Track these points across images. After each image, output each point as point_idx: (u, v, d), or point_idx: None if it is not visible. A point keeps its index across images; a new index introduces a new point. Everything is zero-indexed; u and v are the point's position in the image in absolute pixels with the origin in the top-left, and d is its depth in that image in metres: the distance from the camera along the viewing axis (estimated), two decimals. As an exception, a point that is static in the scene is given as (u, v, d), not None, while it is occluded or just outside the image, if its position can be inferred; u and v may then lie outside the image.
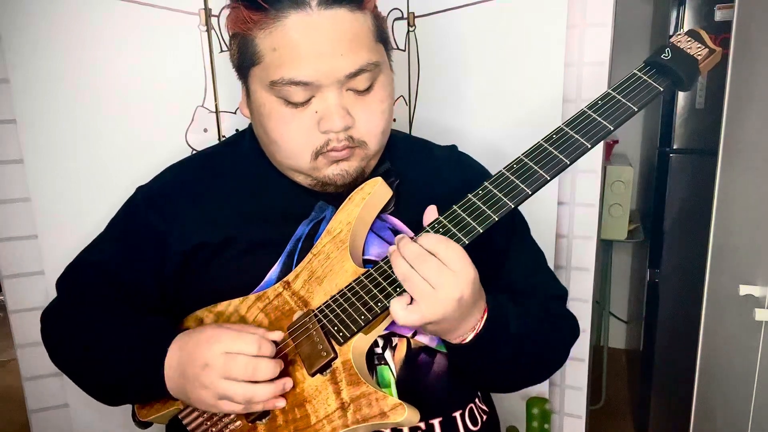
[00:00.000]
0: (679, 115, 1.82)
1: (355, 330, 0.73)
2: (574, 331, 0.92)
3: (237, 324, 0.77)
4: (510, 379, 0.87)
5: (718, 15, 1.68)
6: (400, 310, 0.69)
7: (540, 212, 0.90)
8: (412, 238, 0.72)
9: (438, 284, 0.68)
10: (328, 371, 0.73)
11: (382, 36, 0.79)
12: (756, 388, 1.14)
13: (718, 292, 1.28)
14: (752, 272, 1.15)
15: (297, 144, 0.78)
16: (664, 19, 1.98)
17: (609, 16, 1.23)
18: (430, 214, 0.75)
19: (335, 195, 0.83)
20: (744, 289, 1.13)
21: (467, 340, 0.74)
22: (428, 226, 0.74)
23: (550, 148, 0.74)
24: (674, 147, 1.85)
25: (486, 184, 0.74)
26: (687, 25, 1.73)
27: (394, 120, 1.35)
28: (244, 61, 0.78)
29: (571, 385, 1.42)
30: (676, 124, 1.83)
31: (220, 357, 0.70)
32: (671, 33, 1.86)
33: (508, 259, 0.89)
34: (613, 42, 1.24)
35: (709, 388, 1.34)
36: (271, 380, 0.72)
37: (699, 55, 0.75)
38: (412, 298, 0.70)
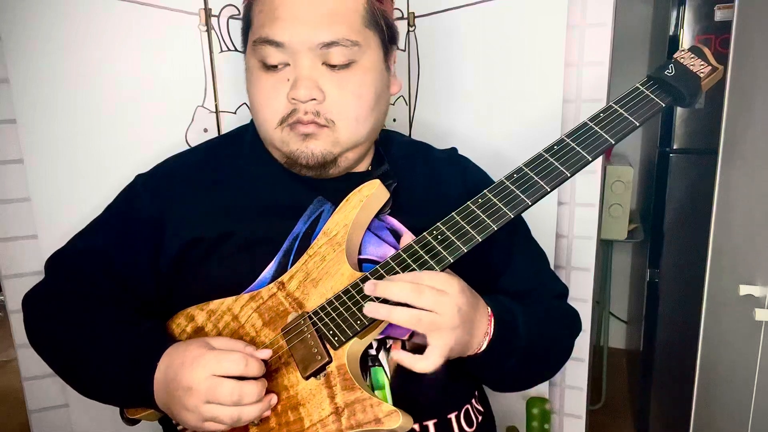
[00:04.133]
0: (679, 115, 1.82)
1: (351, 335, 0.72)
2: (577, 326, 0.93)
3: (224, 340, 0.74)
4: (525, 377, 0.88)
5: (718, 15, 1.68)
6: (419, 362, 0.69)
7: (540, 212, 0.90)
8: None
9: (439, 309, 0.68)
10: (322, 375, 0.73)
11: (375, 23, 0.79)
12: (756, 388, 1.14)
13: (718, 292, 1.28)
14: (752, 272, 1.15)
15: (267, 109, 0.79)
16: (664, 19, 1.98)
17: (609, 16, 1.23)
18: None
19: (332, 191, 0.83)
20: (744, 289, 1.13)
21: (483, 347, 0.74)
22: (426, 232, 0.74)
23: (551, 159, 0.74)
24: (674, 147, 1.85)
25: (486, 192, 0.74)
26: (687, 25, 1.73)
27: (394, 120, 1.35)
28: (244, 27, 0.82)
29: (571, 385, 1.42)
30: (676, 124, 1.82)
31: (205, 381, 0.68)
32: (671, 33, 1.85)
33: (511, 261, 0.89)
34: (613, 42, 1.24)
35: (709, 388, 1.34)
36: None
37: (702, 72, 0.75)
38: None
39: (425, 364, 0.69)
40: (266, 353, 0.73)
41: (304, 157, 0.79)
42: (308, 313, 0.76)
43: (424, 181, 0.89)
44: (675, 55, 0.78)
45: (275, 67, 0.78)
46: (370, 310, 0.69)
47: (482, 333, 0.73)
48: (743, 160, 1.20)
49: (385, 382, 0.79)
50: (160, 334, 0.79)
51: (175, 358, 0.72)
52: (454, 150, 0.97)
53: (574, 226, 1.35)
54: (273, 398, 0.73)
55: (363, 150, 0.85)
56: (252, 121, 0.89)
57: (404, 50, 1.32)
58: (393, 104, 1.35)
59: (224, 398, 0.68)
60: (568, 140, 0.75)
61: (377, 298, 0.70)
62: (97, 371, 0.79)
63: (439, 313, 0.68)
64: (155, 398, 0.74)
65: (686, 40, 1.74)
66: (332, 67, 0.77)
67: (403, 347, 0.80)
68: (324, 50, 0.76)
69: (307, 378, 0.73)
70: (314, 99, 0.77)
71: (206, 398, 0.68)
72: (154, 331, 0.79)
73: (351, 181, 0.83)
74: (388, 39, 0.83)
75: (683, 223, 1.87)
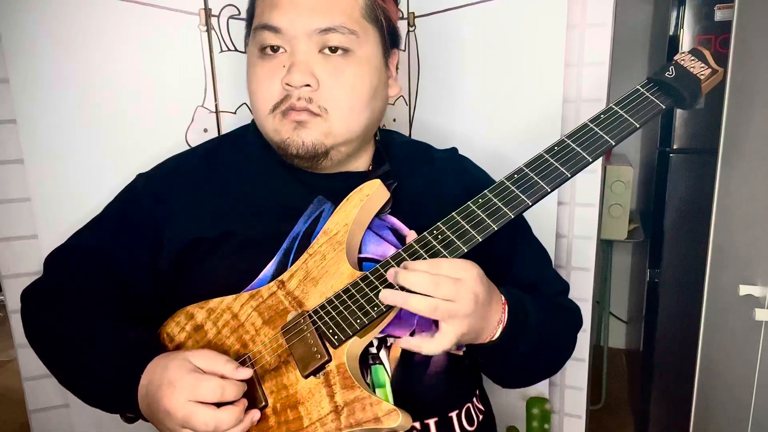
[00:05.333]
0: (679, 115, 1.82)
1: (351, 334, 0.72)
2: (579, 321, 0.94)
3: (205, 357, 0.72)
4: (531, 370, 0.88)
5: (718, 15, 1.68)
6: (427, 344, 0.70)
7: (540, 212, 0.90)
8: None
9: (457, 297, 0.68)
10: (321, 373, 0.73)
11: (374, 17, 0.80)
12: (756, 388, 1.14)
13: (718, 292, 1.28)
14: (752, 272, 1.15)
15: (261, 95, 0.80)
16: (664, 19, 1.98)
17: (609, 16, 1.23)
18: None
19: (333, 190, 0.83)
20: (744, 289, 1.13)
21: (497, 335, 0.74)
22: (427, 232, 0.74)
23: (551, 160, 0.74)
24: (674, 147, 1.85)
25: (486, 192, 0.74)
26: (687, 25, 1.73)
27: (394, 120, 1.35)
28: (248, 18, 0.83)
29: (571, 385, 1.42)
30: (676, 124, 1.82)
31: (182, 407, 0.68)
32: (671, 33, 1.85)
33: (514, 258, 0.90)
34: (613, 42, 1.24)
35: (709, 388, 1.34)
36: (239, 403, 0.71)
37: (702, 75, 0.76)
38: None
39: (433, 346, 0.70)
40: (246, 372, 0.72)
41: (295, 146, 0.79)
42: (308, 311, 0.76)
43: (424, 181, 0.90)
44: (675, 58, 0.78)
45: (272, 53, 0.79)
46: (387, 296, 0.69)
47: (496, 321, 0.74)
48: (743, 160, 1.20)
49: (386, 380, 0.79)
50: (146, 346, 0.78)
51: (154, 377, 0.72)
52: (454, 150, 0.98)
53: (574, 226, 1.35)
54: (256, 414, 0.72)
55: (357, 146, 0.85)
56: (253, 120, 0.89)
57: (404, 50, 1.32)
58: (393, 104, 1.35)
59: (200, 427, 0.68)
60: (568, 141, 0.75)
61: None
62: (85, 376, 0.80)
63: (456, 301, 0.68)
64: (140, 410, 0.74)
65: (686, 40, 1.74)
66: (330, 51, 0.77)
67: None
68: (321, 36, 0.76)
69: (306, 377, 0.73)
70: (308, 85, 0.77)
71: (182, 424, 0.68)
72: (140, 343, 0.79)
73: (351, 180, 0.83)
74: (388, 38, 0.83)
75: (683, 223, 1.87)
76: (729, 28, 1.22)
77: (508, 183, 0.74)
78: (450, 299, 0.68)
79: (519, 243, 0.91)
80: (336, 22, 0.76)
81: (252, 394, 0.74)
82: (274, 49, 0.79)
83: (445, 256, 0.72)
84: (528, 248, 0.94)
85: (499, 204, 0.73)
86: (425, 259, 0.72)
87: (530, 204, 0.73)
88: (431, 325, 0.79)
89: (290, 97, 0.78)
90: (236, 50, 1.19)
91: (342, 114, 0.79)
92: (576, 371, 1.40)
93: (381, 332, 0.77)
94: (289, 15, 0.76)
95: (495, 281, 0.75)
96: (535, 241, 0.96)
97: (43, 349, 0.86)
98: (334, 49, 0.78)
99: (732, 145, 1.23)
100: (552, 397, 1.43)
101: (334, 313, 0.74)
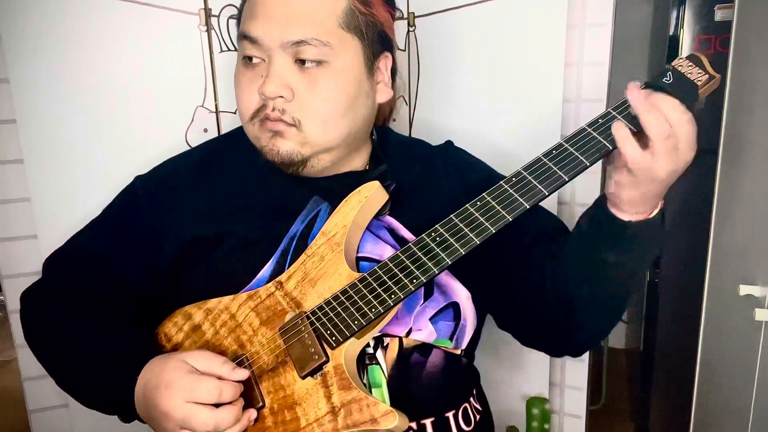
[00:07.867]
0: (679, 115, 1.82)
1: (348, 335, 0.73)
2: None
3: (203, 357, 0.72)
4: (617, 298, 0.81)
5: (718, 15, 1.68)
6: (633, 150, 0.66)
7: (540, 212, 0.90)
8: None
9: (683, 152, 0.66)
10: (319, 374, 0.73)
11: (354, 27, 0.79)
12: (756, 388, 1.14)
13: (718, 292, 1.28)
14: (752, 272, 1.15)
15: (242, 102, 0.81)
16: (664, 19, 1.98)
17: (609, 16, 1.23)
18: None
19: (330, 190, 0.83)
20: (744, 289, 1.13)
21: (653, 215, 0.72)
22: (425, 234, 0.74)
23: (550, 164, 0.74)
24: (674, 147, 1.84)
25: (484, 195, 0.74)
26: (687, 25, 1.73)
27: (394, 120, 1.35)
28: (237, 24, 0.83)
29: (571, 385, 1.42)
30: (677, 124, 1.82)
31: (180, 408, 0.68)
32: (671, 33, 1.85)
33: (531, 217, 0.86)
34: (613, 42, 1.24)
35: (709, 388, 1.34)
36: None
37: (699, 80, 0.75)
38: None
39: (638, 156, 0.66)
40: (243, 374, 0.72)
41: (271, 155, 0.80)
42: (306, 312, 0.76)
43: (420, 179, 0.90)
44: (673, 63, 0.78)
45: (253, 62, 0.79)
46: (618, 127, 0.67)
47: (656, 204, 0.72)
48: (743, 160, 1.20)
49: (383, 380, 0.79)
50: (143, 347, 0.78)
51: (152, 378, 0.72)
52: (449, 143, 0.97)
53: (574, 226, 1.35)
54: (252, 414, 0.73)
55: (344, 151, 0.84)
56: None
57: (404, 50, 1.32)
58: (395, 120, 1.34)
59: (199, 427, 0.68)
60: (566, 145, 0.75)
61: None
62: (83, 377, 0.80)
63: (678, 152, 0.65)
64: (137, 411, 0.75)
65: (686, 40, 1.74)
66: (303, 64, 0.77)
67: (401, 345, 0.81)
68: (294, 48, 0.76)
69: (303, 377, 0.74)
70: (281, 96, 0.77)
71: (181, 425, 0.69)
72: (137, 344, 0.79)
73: (349, 180, 0.83)
74: (375, 44, 0.82)
75: (683, 223, 1.87)
76: (729, 28, 1.22)
77: (506, 186, 0.74)
78: (678, 145, 0.65)
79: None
80: (308, 35, 0.75)
81: (249, 395, 0.74)
82: (253, 58, 0.79)
83: (443, 259, 0.72)
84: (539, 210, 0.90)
85: (497, 207, 0.73)
86: (424, 260, 0.72)
87: (528, 207, 0.73)
88: (427, 324, 0.79)
89: (266, 107, 0.78)
90: (236, 50, 1.19)
91: (316, 125, 0.79)
92: (576, 371, 1.40)
93: (378, 332, 0.77)
94: (264, 26, 0.76)
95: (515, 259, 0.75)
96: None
97: (41, 350, 0.86)
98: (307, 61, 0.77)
99: (732, 145, 1.23)
100: (552, 397, 1.43)
101: (332, 314, 0.74)
